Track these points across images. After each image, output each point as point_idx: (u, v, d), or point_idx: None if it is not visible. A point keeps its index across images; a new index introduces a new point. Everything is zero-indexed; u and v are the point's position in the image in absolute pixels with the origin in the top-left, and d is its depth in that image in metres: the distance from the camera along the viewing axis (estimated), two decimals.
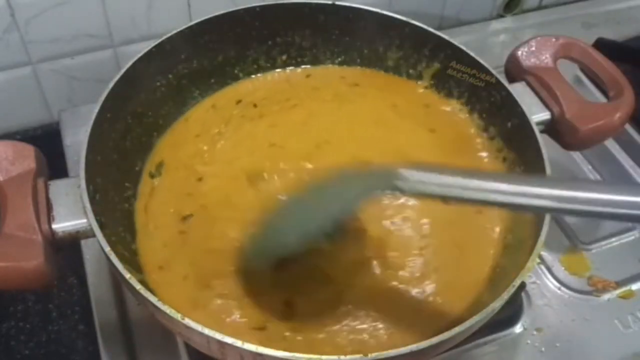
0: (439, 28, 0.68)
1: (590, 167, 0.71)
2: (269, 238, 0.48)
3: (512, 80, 0.59)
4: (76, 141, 0.67)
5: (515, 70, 0.59)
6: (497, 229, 0.53)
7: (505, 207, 0.44)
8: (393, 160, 0.57)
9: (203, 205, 0.54)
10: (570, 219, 0.66)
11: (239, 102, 0.62)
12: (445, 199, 0.42)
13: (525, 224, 0.51)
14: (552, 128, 0.56)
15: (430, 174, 0.42)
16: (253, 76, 0.64)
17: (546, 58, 0.58)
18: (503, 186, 0.41)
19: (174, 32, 0.56)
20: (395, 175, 0.42)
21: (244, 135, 0.59)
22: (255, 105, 0.61)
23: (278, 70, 0.64)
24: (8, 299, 0.60)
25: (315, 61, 0.65)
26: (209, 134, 0.59)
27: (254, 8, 0.60)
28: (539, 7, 0.91)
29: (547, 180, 0.42)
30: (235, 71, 0.63)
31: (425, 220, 0.53)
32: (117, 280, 0.58)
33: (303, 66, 0.65)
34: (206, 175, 0.56)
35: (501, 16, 0.90)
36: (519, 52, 0.59)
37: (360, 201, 0.45)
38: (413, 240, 0.52)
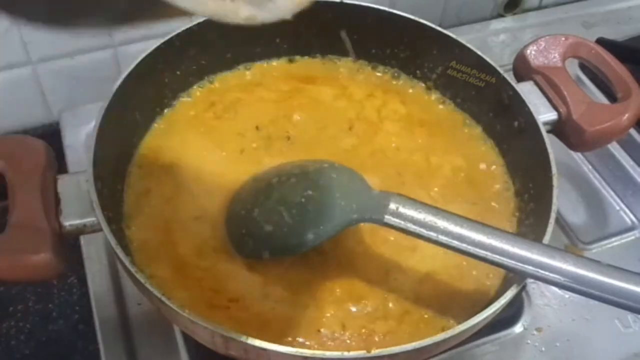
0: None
1: (590, 167, 0.71)
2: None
3: (520, 79, 0.59)
4: (76, 141, 0.67)
5: (523, 69, 0.59)
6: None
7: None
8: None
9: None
10: (571, 219, 0.66)
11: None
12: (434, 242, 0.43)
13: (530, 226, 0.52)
14: (558, 128, 0.56)
15: (429, 215, 0.43)
16: None
17: (555, 57, 0.58)
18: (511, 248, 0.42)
19: (182, 29, 0.56)
20: (390, 208, 0.43)
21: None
22: None
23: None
24: (8, 299, 0.60)
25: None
26: None
27: None
28: (539, 7, 0.91)
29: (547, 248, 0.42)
30: (243, 68, 0.63)
31: None
32: (117, 280, 0.58)
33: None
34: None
35: (501, 16, 0.90)
36: (528, 51, 0.58)
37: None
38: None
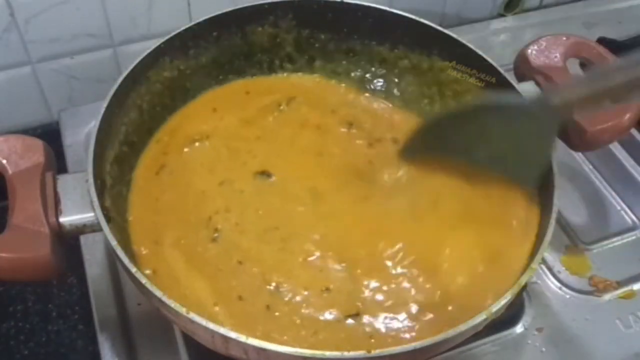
0: None
1: (591, 167, 0.71)
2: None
3: (520, 79, 0.58)
4: (76, 141, 0.67)
5: (524, 69, 0.58)
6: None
7: None
8: None
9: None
10: (573, 219, 0.65)
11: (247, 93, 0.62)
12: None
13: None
14: (559, 128, 0.56)
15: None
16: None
17: (556, 57, 0.57)
18: None
19: (182, 28, 0.56)
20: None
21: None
22: None
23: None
24: (8, 299, 0.60)
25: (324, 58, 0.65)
26: None
27: (262, 5, 0.60)
28: (540, 7, 0.91)
29: None
30: (243, 68, 0.63)
31: None
32: (117, 280, 0.58)
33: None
34: None
35: (502, 15, 0.90)
36: (529, 51, 0.58)
37: None
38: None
